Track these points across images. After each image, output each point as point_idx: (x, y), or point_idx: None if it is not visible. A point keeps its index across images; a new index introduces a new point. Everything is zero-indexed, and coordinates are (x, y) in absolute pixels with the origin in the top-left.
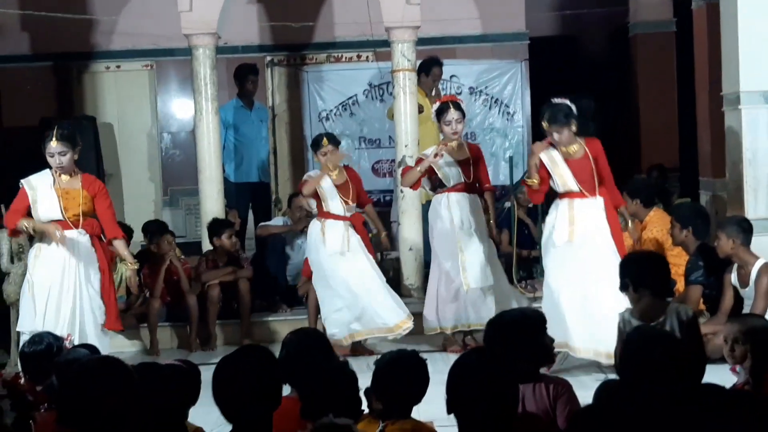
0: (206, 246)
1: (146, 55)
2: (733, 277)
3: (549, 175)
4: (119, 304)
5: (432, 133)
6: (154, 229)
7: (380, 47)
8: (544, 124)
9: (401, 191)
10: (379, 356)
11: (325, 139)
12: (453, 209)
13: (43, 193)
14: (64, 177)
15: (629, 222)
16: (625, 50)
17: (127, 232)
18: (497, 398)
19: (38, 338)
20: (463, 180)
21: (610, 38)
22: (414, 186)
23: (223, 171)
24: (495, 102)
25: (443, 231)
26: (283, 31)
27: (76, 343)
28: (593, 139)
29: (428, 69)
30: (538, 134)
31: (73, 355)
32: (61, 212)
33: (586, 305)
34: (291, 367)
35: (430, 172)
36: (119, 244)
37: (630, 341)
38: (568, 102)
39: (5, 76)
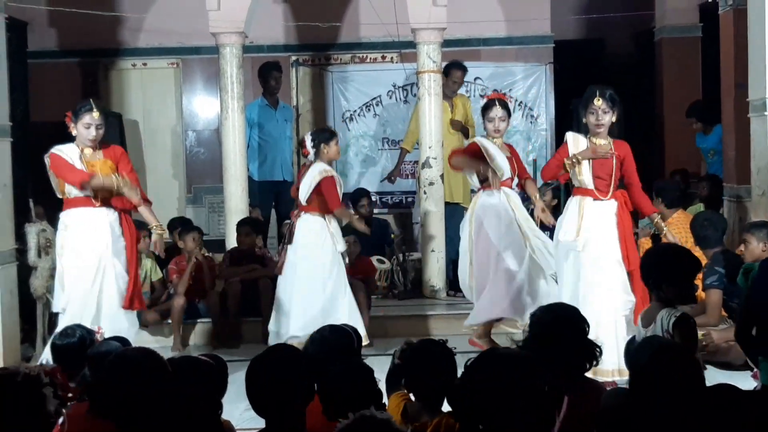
0: (230, 243)
1: (172, 53)
2: None
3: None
4: (144, 300)
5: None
6: (181, 226)
7: (405, 48)
8: (596, 101)
9: (424, 193)
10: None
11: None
12: (510, 202)
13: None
14: (87, 151)
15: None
16: (651, 54)
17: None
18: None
19: (70, 331)
20: (511, 174)
21: (635, 42)
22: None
23: (247, 169)
24: (519, 105)
25: (500, 223)
26: (309, 30)
27: (102, 320)
28: (623, 142)
29: (448, 71)
30: (561, 138)
31: (105, 347)
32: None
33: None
34: (313, 366)
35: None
36: (144, 211)
37: (629, 352)
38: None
39: (33, 72)
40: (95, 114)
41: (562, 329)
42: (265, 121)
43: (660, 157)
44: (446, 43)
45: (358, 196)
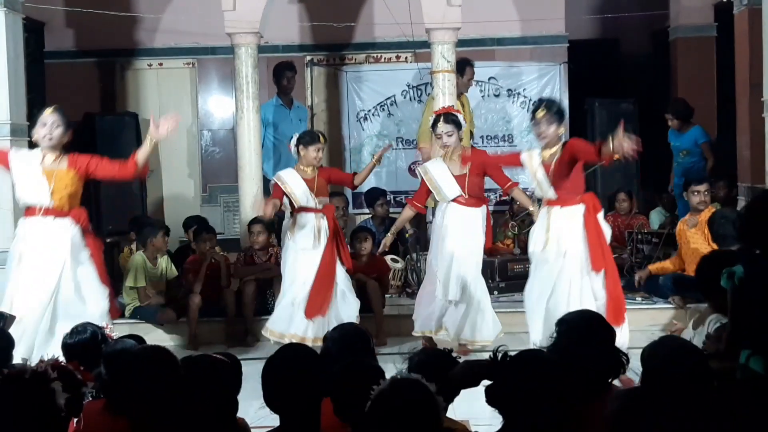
0: (244, 243)
1: (188, 53)
2: None
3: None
4: (159, 298)
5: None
6: (195, 226)
7: (419, 48)
8: (540, 113)
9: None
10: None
11: (321, 137)
12: (447, 218)
13: (29, 171)
14: (50, 157)
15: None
16: (665, 54)
17: (165, 230)
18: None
19: (81, 328)
20: (461, 193)
21: (650, 42)
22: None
23: (262, 169)
24: (533, 104)
25: (434, 237)
26: (323, 31)
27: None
28: (571, 140)
29: (462, 70)
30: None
31: (121, 345)
32: (49, 195)
33: (548, 318)
34: (331, 364)
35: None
36: (141, 152)
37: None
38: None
39: (50, 72)
40: (47, 112)
41: (589, 335)
42: (279, 121)
43: None
44: (460, 43)
45: (373, 195)
